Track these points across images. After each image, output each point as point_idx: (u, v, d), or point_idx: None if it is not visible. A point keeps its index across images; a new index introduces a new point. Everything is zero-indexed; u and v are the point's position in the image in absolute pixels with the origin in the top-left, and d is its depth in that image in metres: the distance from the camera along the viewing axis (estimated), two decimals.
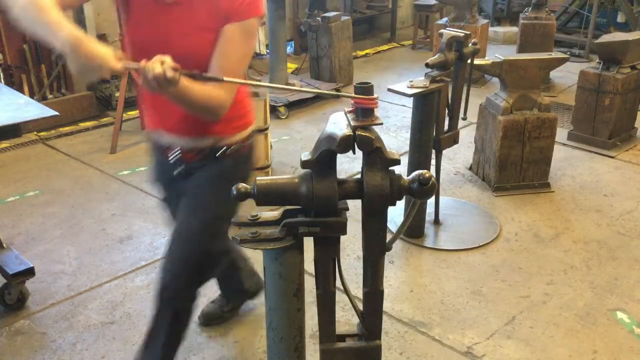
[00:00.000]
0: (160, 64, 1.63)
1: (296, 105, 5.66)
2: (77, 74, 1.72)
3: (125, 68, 1.71)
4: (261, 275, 2.06)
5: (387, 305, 2.97)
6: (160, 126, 2.10)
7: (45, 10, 1.69)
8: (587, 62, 6.78)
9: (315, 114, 5.64)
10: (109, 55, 1.66)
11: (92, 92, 5.73)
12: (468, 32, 3.37)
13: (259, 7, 1.89)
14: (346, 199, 1.44)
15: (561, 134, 4.73)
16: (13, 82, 5.20)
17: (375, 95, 1.41)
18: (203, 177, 2.08)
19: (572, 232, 3.67)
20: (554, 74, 5.93)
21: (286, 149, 4.85)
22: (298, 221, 1.42)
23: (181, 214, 2.15)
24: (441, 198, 3.83)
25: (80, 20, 5.51)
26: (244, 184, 1.44)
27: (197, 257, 2.10)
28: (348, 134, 1.36)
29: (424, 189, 1.39)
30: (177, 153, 2.08)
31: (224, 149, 2.06)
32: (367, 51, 7.83)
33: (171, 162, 2.11)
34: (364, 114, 1.41)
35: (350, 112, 1.44)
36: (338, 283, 1.50)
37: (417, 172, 1.39)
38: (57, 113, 2.80)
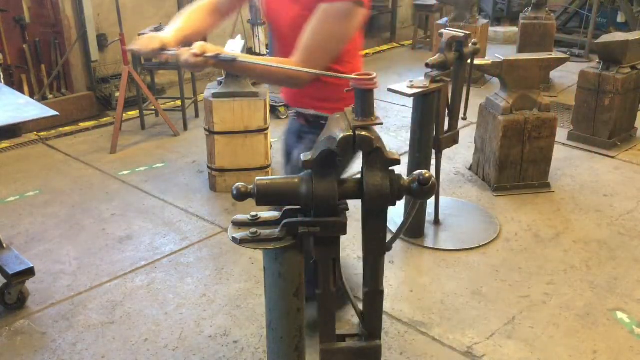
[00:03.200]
0: (186, 52, 1.82)
1: None
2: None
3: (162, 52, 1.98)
4: None
5: (387, 305, 2.97)
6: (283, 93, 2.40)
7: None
8: (587, 62, 6.78)
9: None
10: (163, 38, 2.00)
11: (93, 91, 5.74)
12: (468, 32, 3.37)
13: None
14: (346, 199, 1.44)
15: (561, 134, 4.74)
16: (13, 82, 5.20)
17: (373, 75, 1.42)
18: (301, 149, 2.28)
19: (572, 232, 3.68)
20: (554, 74, 5.94)
21: None
22: (298, 221, 1.42)
23: None
24: (441, 198, 3.83)
25: (80, 20, 5.52)
26: (244, 184, 1.43)
27: None
28: (348, 134, 1.36)
29: (424, 189, 1.39)
30: (293, 114, 2.40)
31: (322, 121, 2.16)
32: (367, 51, 7.83)
33: (293, 120, 2.44)
34: (364, 113, 1.41)
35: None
36: None
37: (417, 172, 1.39)
38: (57, 113, 2.80)
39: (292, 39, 1.97)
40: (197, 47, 1.80)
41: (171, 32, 2.07)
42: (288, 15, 2.06)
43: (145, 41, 1.97)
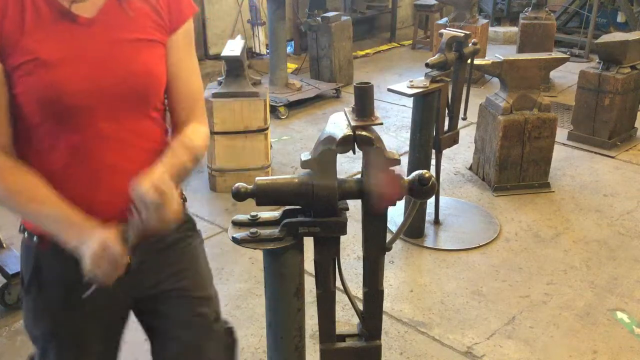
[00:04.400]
0: (157, 192, 1.23)
1: (296, 105, 5.66)
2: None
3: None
4: None
5: (387, 305, 2.96)
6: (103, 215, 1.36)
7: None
8: (587, 62, 6.78)
9: (315, 114, 5.64)
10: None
11: None
12: (468, 32, 3.37)
13: (193, 2, 1.51)
14: (346, 199, 1.44)
15: (561, 134, 4.74)
16: None
17: None
18: (183, 275, 1.54)
19: (572, 232, 3.67)
20: (554, 74, 5.93)
21: (286, 149, 4.85)
22: (298, 221, 1.42)
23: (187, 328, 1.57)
24: (441, 198, 3.83)
25: None
26: (244, 184, 1.43)
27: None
28: (348, 134, 1.36)
29: (424, 189, 1.38)
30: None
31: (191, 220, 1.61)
32: (367, 51, 7.83)
33: None
34: (364, 112, 1.40)
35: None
36: (338, 283, 1.50)
37: (417, 172, 1.39)
38: None
39: (154, 99, 1.40)
40: (156, 176, 1.25)
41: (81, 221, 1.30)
42: (151, 62, 1.37)
43: (111, 266, 1.27)
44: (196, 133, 1.45)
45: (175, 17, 1.42)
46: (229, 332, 1.70)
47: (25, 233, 1.48)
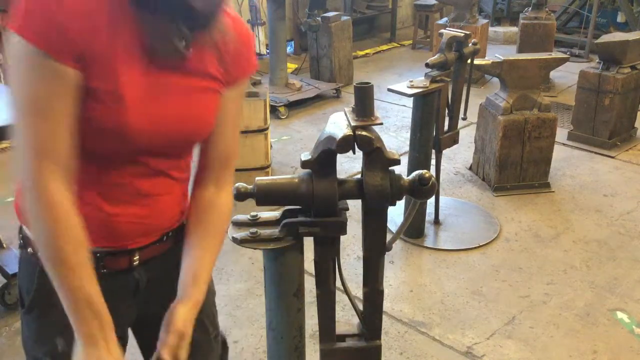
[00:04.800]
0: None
1: (296, 105, 5.66)
2: None
3: None
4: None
5: (387, 305, 2.96)
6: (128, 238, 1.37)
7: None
8: (587, 62, 6.78)
9: (315, 114, 5.64)
10: None
11: None
12: (468, 32, 3.37)
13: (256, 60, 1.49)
14: (346, 199, 1.44)
15: (561, 134, 4.74)
16: None
17: None
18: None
19: (572, 232, 3.67)
20: (554, 74, 5.93)
21: (286, 149, 4.85)
22: (298, 221, 1.42)
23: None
24: (441, 198, 3.83)
25: None
26: (244, 184, 1.43)
27: None
28: (348, 134, 1.36)
29: (424, 189, 1.38)
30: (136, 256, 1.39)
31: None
32: (367, 51, 7.83)
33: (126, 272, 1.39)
34: (364, 112, 1.40)
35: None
36: (338, 283, 1.50)
37: (417, 172, 1.39)
38: None
39: (200, 141, 1.42)
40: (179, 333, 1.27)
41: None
42: (210, 112, 1.36)
43: None
44: (223, 223, 1.43)
45: (239, 71, 1.39)
46: (224, 344, 1.69)
47: (29, 249, 1.38)
